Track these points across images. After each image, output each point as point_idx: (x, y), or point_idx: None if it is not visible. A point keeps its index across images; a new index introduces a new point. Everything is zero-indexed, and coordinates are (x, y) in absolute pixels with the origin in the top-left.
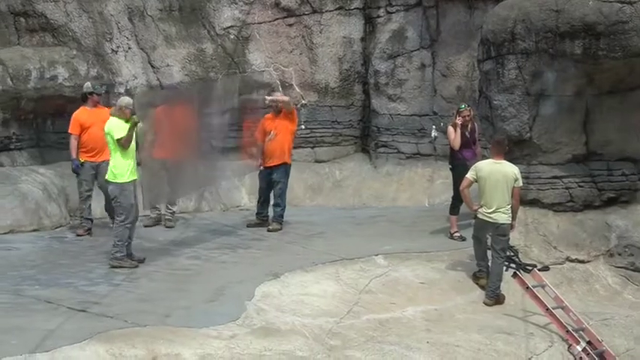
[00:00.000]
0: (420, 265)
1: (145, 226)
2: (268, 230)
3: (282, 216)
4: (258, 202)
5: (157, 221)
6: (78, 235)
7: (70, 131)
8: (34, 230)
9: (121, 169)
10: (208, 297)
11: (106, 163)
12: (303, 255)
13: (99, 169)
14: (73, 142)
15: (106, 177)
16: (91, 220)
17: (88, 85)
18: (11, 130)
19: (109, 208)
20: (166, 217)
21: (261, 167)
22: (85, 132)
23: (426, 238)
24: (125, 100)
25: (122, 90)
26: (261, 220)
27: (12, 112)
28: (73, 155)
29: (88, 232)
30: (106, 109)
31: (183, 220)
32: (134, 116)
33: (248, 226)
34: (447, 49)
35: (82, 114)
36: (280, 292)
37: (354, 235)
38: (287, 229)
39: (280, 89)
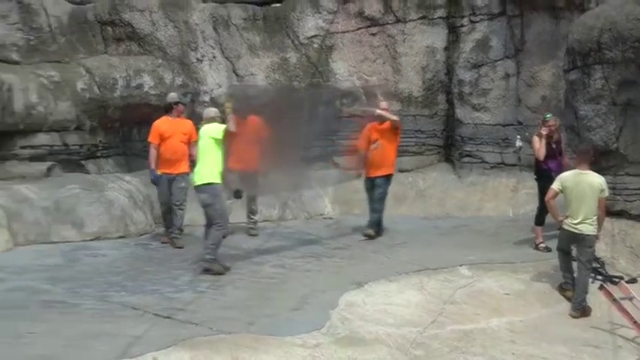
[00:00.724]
0: (504, 276)
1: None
2: (364, 235)
3: (378, 222)
4: (370, 212)
5: None
6: (163, 243)
7: (149, 140)
8: (120, 237)
9: (216, 170)
10: (292, 305)
11: (182, 176)
12: (387, 264)
13: (174, 183)
14: (153, 152)
15: (196, 183)
16: (181, 229)
17: (173, 95)
18: (98, 138)
19: (168, 218)
20: (249, 225)
21: (362, 176)
22: (164, 142)
23: (511, 249)
24: (212, 111)
25: (207, 98)
26: (377, 229)
27: (99, 120)
28: (152, 165)
29: (172, 241)
30: (188, 120)
31: (267, 228)
32: (227, 104)
33: (365, 237)
34: (531, 58)
35: (163, 123)
36: (364, 302)
37: (438, 245)
38: (367, 239)
39: (363, 98)
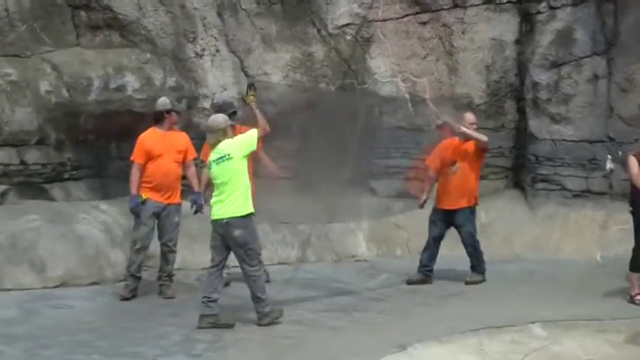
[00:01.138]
0: (589, 337)
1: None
2: (466, 283)
3: (480, 265)
4: (423, 251)
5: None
6: (122, 299)
7: (133, 158)
8: (93, 283)
9: (249, 197)
10: None
11: (175, 208)
12: (438, 321)
13: (164, 214)
14: (135, 173)
15: (223, 217)
16: (139, 278)
17: (164, 101)
18: (66, 155)
19: (140, 261)
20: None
21: (423, 205)
22: (153, 162)
23: (598, 302)
24: (221, 119)
25: (207, 105)
26: (426, 275)
27: (68, 131)
28: (134, 190)
29: (133, 293)
30: (183, 133)
31: (284, 273)
32: (250, 95)
33: (409, 283)
34: (628, 55)
35: (150, 137)
36: None
37: (504, 297)
38: (416, 287)
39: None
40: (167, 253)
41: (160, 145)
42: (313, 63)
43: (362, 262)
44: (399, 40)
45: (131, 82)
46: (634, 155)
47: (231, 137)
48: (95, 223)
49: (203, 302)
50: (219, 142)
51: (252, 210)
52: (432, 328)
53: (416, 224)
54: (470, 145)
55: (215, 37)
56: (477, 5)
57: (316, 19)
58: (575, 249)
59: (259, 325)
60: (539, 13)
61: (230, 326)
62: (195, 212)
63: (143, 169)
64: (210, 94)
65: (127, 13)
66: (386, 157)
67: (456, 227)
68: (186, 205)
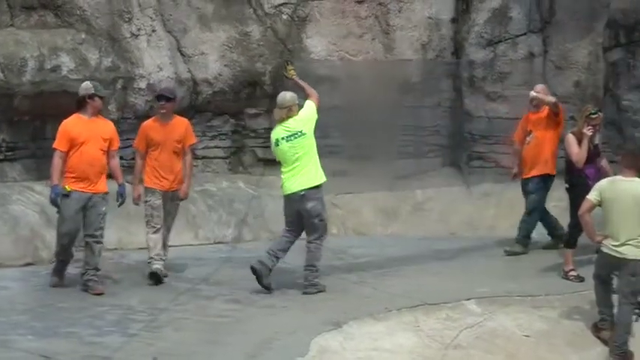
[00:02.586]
0: (524, 313)
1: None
2: (505, 252)
3: (528, 236)
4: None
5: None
6: (54, 286)
7: (55, 146)
8: (28, 264)
9: (319, 166)
10: (250, 352)
11: (102, 197)
12: (374, 298)
13: (90, 204)
14: (57, 162)
15: (298, 189)
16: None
17: (87, 86)
18: (1, 136)
19: (69, 253)
20: (155, 264)
21: (516, 178)
22: (77, 150)
23: (533, 278)
24: (289, 97)
25: (143, 85)
26: (524, 246)
27: (2, 112)
28: (55, 180)
29: (89, 286)
30: (109, 121)
31: (220, 252)
32: (290, 69)
33: (508, 254)
34: (563, 33)
35: (74, 124)
36: (343, 347)
37: (440, 274)
38: (353, 265)
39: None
40: (93, 244)
41: (85, 132)
42: (249, 43)
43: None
44: (335, 19)
45: (66, 62)
46: (573, 133)
47: (297, 114)
48: (30, 204)
49: (269, 253)
50: (286, 118)
51: (324, 179)
52: (368, 305)
53: (351, 203)
54: (543, 114)
55: (151, 17)
56: None
57: None
58: (510, 226)
59: (305, 293)
60: None
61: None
62: (120, 205)
63: (66, 157)
64: (146, 74)
65: None
66: (325, 137)
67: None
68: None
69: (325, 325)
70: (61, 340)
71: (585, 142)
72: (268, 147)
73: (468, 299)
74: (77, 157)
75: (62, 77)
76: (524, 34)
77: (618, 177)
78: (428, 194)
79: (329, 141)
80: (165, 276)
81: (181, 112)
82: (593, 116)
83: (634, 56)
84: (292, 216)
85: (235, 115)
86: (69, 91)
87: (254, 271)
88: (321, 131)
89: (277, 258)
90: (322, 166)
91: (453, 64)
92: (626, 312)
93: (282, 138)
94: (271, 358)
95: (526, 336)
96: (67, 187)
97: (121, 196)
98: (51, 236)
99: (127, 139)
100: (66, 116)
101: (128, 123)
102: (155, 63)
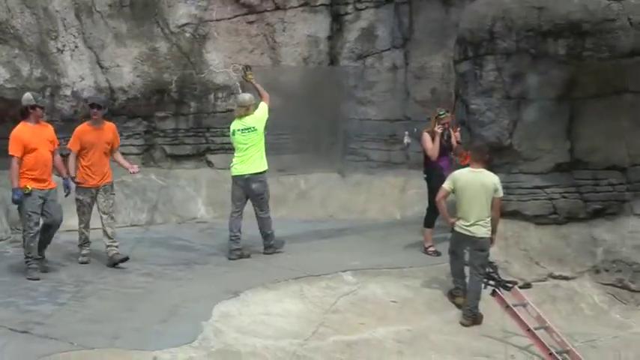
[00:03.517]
0: (391, 282)
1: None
2: None
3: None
4: None
5: None
6: (31, 279)
7: (11, 153)
8: None
9: (264, 157)
10: (161, 317)
11: (55, 191)
12: (265, 271)
13: (49, 198)
14: (15, 167)
15: (244, 173)
16: (43, 257)
17: (28, 97)
18: None
19: (39, 242)
20: (113, 250)
21: None
22: (31, 154)
23: (398, 253)
24: (247, 97)
25: (68, 92)
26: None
27: None
28: (15, 184)
29: (44, 269)
30: (49, 126)
31: (135, 233)
32: (249, 74)
33: None
34: (420, 48)
35: (23, 132)
36: (240, 312)
37: (320, 250)
38: (247, 244)
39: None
40: (53, 232)
41: (35, 139)
42: (158, 57)
43: (201, 223)
44: (230, 36)
45: (2, 73)
46: (427, 132)
47: (253, 113)
48: None
49: (232, 239)
50: (244, 115)
51: (267, 167)
52: (261, 277)
53: None
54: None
55: (74, 35)
56: (295, 7)
57: (160, 20)
58: (379, 209)
59: (265, 253)
60: (347, 14)
61: (248, 256)
62: (67, 195)
63: (21, 161)
64: (70, 83)
65: None
66: (221, 136)
67: None
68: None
69: (225, 294)
70: (1, 309)
71: (437, 139)
72: (176, 144)
73: (345, 271)
74: (33, 160)
75: None
76: (389, 49)
77: (468, 168)
78: (310, 184)
79: (225, 139)
80: (124, 260)
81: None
82: (442, 117)
83: (480, 68)
84: (240, 196)
85: (147, 117)
86: (4, 98)
87: (238, 258)
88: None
89: (238, 236)
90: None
91: (331, 74)
92: (475, 282)
93: (239, 130)
94: (180, 322)
95: (393, 301)
96: (28, 186)
97: (67, 187)
98: None
99: (58, 138)
100: (2, 118)
101: (56, 125)
102: (78, 74)
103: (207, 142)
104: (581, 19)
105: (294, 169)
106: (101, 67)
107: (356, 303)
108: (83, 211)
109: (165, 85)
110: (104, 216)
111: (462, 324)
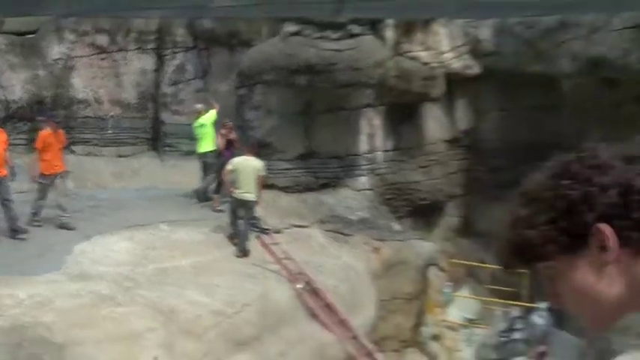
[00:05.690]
0: (192, 230)
1: None
2: None
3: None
4: None
5: None
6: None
7: None
8: None
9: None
10: (39, 253)
11: (5, 177)
12: (108, 223)
13: (3, 182)
14: None
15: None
16: None
17: None
18: None
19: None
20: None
21: None
22: None
23: (198, 211)
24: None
25: None
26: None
27: None
28: None
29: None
30: (2, 130)
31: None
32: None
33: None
34: (215, 78)
35: None
36: (92, 249)
37: (146, 209)
38: (97, 204)
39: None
40: (8, 205)
41: None
42: (39, 80)
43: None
44: (88, 68)
45: None
46: (219, 134)
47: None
48: None
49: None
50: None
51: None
52: (106, 227)
53: (96, 168)
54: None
55: None
56: (132, 50)
57: (40, 55)
58: (187, 183)
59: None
60: (166, 55)
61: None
62: (12, 180)
63: None
64: None
65: None
66: (80, 133)
67: None
68: None
69: (83, 238)
70: None
71: (224, 138)
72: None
73: (162, 222)
74: None
75: None
76: (194, 78)
77: (244, 156)
78: (141, 164)
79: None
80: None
81: None
82: (226, 124)
83: (252, 92)
84: None
85: (30, 120)
86: None
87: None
88: None
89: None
90: None
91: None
92: (245, 228)
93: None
94: (51, 258)
95: (193, 242)
96: None
97: (14, 174)
98: None
99: None
100: None
101: None
102: None
103: (72, 138)
104: (316, 63)
105: (131, 156)
106: (1, 86)
107: (168, 243)
108: (43, 190)
109: (43, 99)
110: None
111: (237, 256)
